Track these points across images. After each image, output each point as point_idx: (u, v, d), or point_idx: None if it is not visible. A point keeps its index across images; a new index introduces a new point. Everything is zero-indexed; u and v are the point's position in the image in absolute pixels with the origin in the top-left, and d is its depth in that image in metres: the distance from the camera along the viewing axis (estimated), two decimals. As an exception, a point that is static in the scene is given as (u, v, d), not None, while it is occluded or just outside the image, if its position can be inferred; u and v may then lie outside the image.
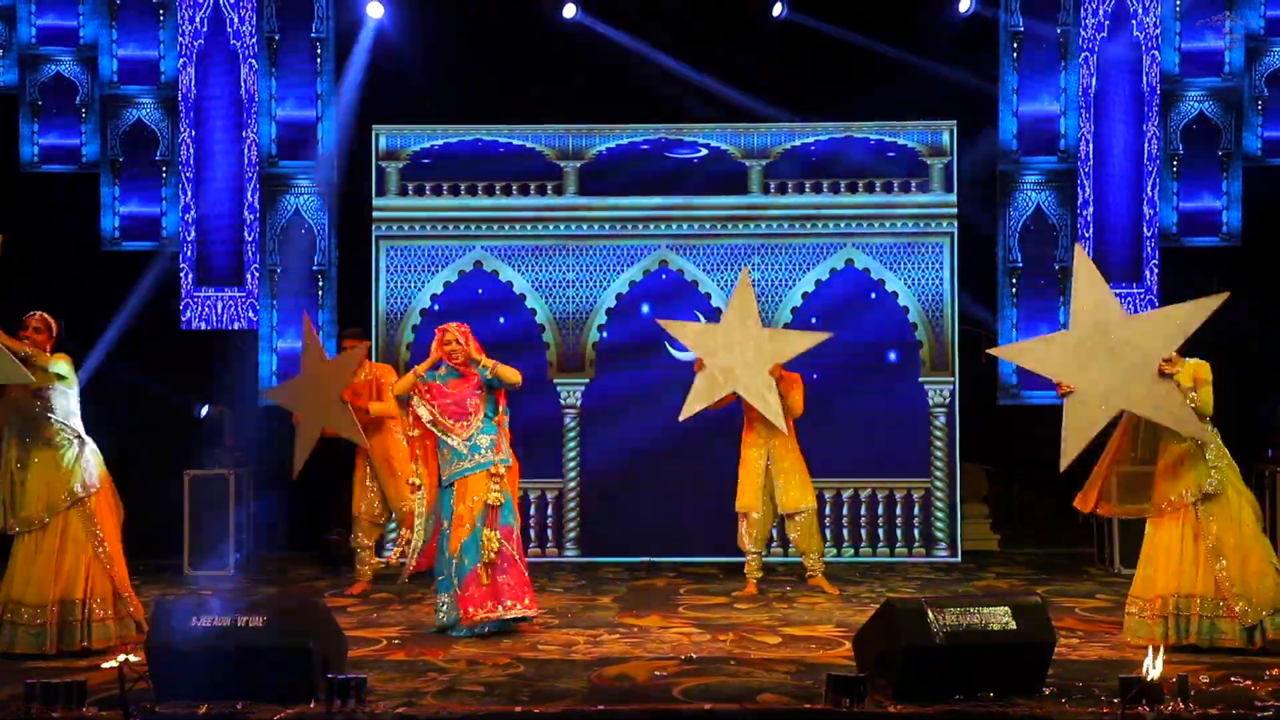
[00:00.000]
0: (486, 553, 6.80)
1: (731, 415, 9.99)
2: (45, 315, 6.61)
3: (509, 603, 6.81)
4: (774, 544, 9.33)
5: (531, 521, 10.14)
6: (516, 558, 6.94)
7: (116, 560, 6.57)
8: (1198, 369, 6.40)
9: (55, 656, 6.22)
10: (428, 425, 7.07)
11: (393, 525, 9.48)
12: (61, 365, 6.58)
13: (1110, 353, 6.32)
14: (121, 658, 4.96)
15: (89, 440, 6.64)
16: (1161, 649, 5.09)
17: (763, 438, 8.26)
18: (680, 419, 8.13)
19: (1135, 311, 9.93)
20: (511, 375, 7.12)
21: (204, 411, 9.79)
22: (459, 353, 7.08)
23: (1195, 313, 6.31)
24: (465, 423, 7.04)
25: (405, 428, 7.36)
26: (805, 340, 8.36)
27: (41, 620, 6.33)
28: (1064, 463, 6.50)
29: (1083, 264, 6.59)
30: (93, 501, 6.53)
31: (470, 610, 6.78)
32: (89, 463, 6.57)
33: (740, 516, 8.39)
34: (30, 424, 6.51)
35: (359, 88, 10.23)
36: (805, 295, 10.17)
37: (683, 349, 10.14)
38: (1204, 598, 6.26)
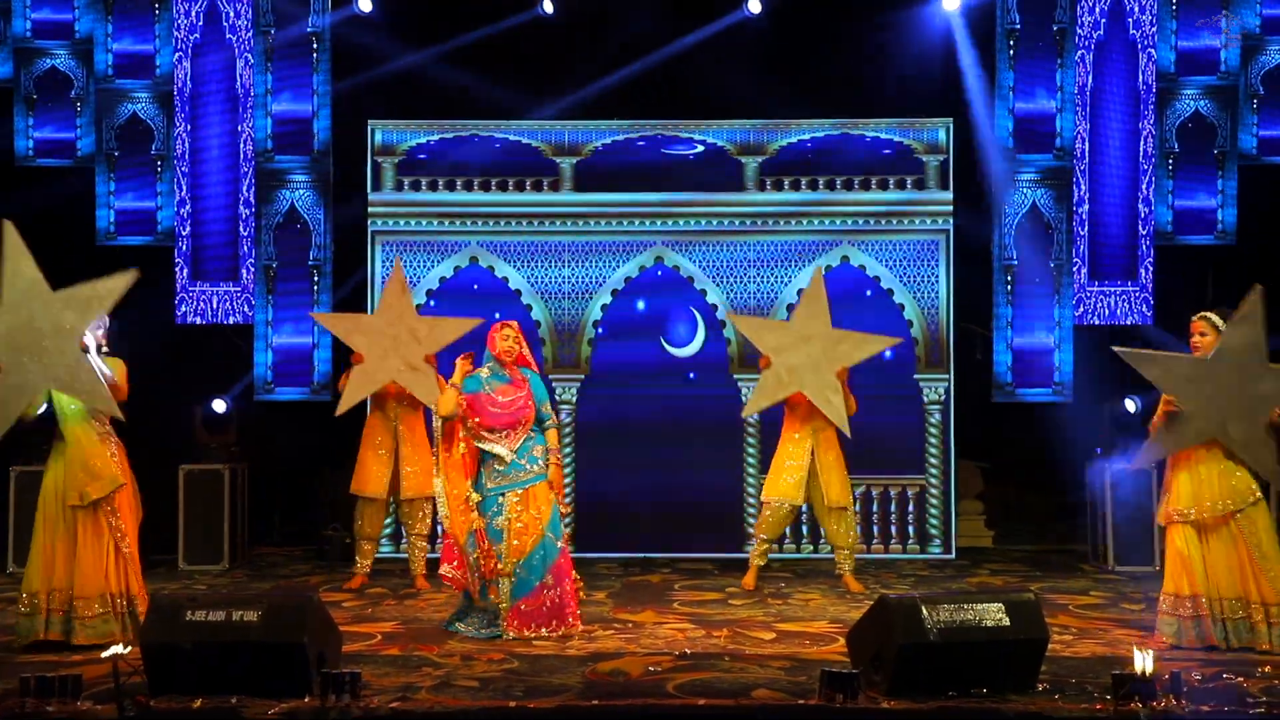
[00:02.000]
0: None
1: (729, 410, 10.04)
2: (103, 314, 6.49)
3: (570, 620, 6.69)
4: (786, 540, 9.31)
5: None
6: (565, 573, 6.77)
7: (134, 560, 6.57)
8: None
9: (71, 648, 6.21)
10: (474, 441, 6.71)
11: (389, 521, 9.47)
12: (122, 373, 6.60)
13: (1232, 390, 6.39)
14: (114, 650, 4.95)
15: (115, 437, 6.63)
16: (1157, 649, 5.09)
17: (809, 430, 8.24)
18: (744, 414, 8.07)
19: (1133, 313, 10.02)
20: (555, 416, 6.99)
21: (220, 407, 9.75)
22: (513, 352, 6.82)
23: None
24: (515, 432, 6.75)
25: (449, 447, 6.79)
26: (876, 344, 8.28)
27: (64, 611, 6.33)
28: (1138, 464, 6.93)
29: (1254, 304, 6.50)
30: (118, 498, 6.52)
31: (529, 629, 6.58)
32: (116, 460, 6.56)
33: (765, 504, 8.36)
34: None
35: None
36: (800, 292, 10.15)
37: (679, 344, 10.17)
38: (1243, 600, 6.31)
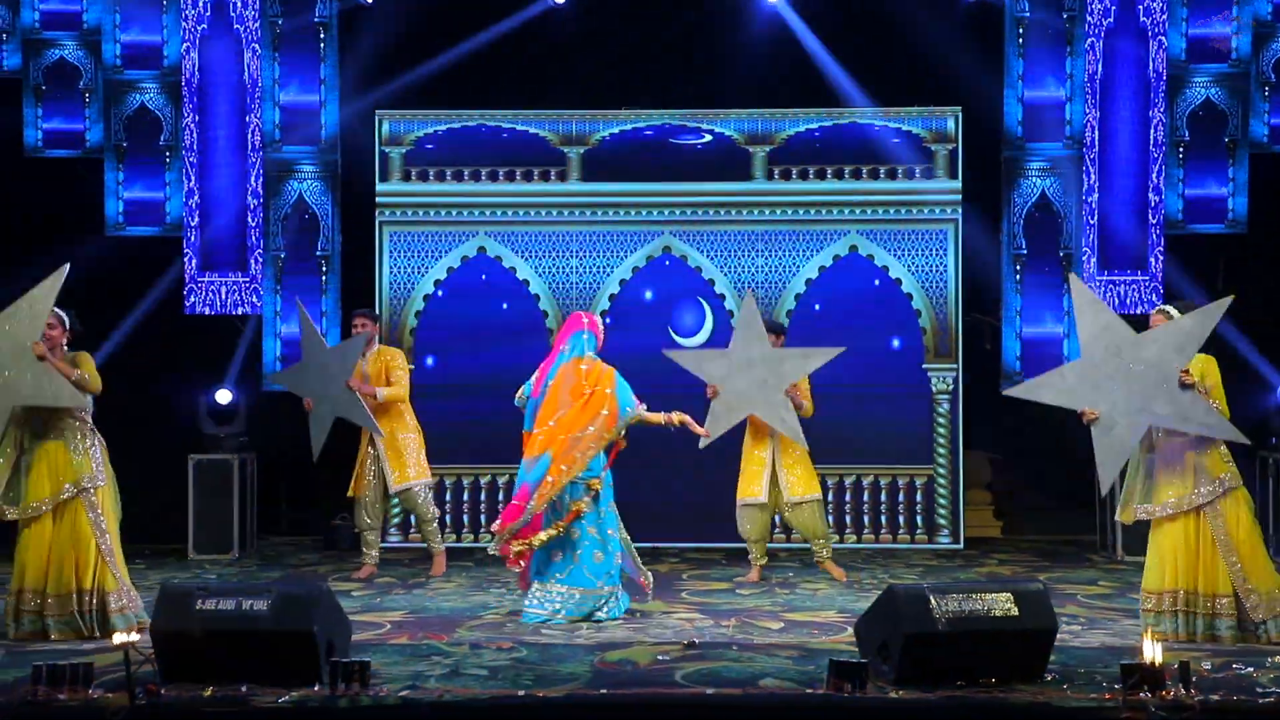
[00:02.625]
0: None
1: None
2: (57, 310, 6.50)
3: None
4: (777, 530, 9.33)
5: (535, 507, 10.16)
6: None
7: (117, 554, 6.58)
8: (1205, 366, 6.37)
9: (60, 644, 6.24)
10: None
11: (397, 509, 9.52)
12: (89, 366, 6.58)
13: (1127, 374, 6.30)
14: (123, 638, 4.96)
15: (98, 435, 6.65)
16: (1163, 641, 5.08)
17: (766, 431, 8.26)
18: (701, 446, 8.04)
19: (1143, 302, 9.98)
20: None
21: (225, 398, 9.80)
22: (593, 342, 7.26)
23: (1203, 321, 6.27)
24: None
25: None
26: (817, 358, 8.28)
27: (54, 610, 6.36)
28: (1104, 487, 6.55)
29: (1080, 292, 6.60)
30: (98, 494, 6.53)
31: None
32: (97, 457, 6.57)
33: (740, 506, 8.40)
34: (44, 413, 6.50)
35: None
36: (809, 282, 10.17)
37: (687, 334, 10.17)
38: (1209, 595, 6.25)
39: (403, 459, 8.51)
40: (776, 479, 8.26)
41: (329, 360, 8.42)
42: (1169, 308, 6.54)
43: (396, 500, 8.69)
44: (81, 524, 6.46)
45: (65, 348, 6.56)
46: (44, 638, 6.35)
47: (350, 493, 8.64)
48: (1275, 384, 9.61)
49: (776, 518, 8.69)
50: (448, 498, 10.08)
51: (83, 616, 6.41)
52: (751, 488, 8.29)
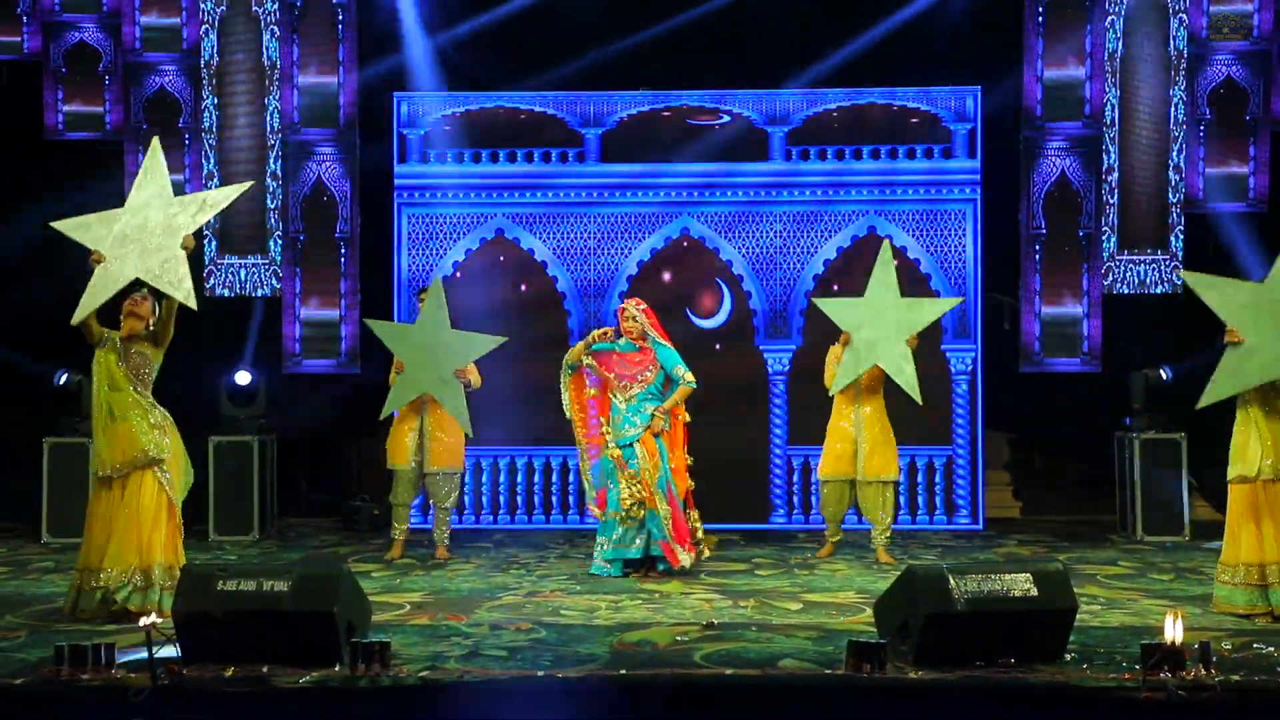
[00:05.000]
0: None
1: (752, 380, 10.05)
2: (146, 293, 6.69)
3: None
4: (795, 510, 9.33)
5: (556, 488, 10.19)
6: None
7: (179, 532, 6.62)
8: None
9: (119, 621, 6.25)
10: (596, 388, 7.89)
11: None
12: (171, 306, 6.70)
13: None
14: (147, 620, 5.00)
15: (163, 411, 6.68)
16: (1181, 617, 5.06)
17: (852, 405, 8.30)
18: (830, 391, 8.31)
19: (1163, 281, 9.93)
20: (687, 376, 7.81)
21: (245, 379, 9.78)
22: (634, 329, 7.79)
23: None
24: (630, 385, 7.74)
25: (577, 390, 7.95)
26: (939, 306, 8.35)
27: (121, 584, 6.36)
28: (1204, 402, 6.38)
29: (1202, 282, 6.47)
30: (168, 466, 6.56)
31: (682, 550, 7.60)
32: (163, 432, 6.61)
33: (821, 482, 8.51)
34: (125, 381, 6.57)
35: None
36: (826, 262, 10.15)
37: (704, 317, 10.16)
38: None
39: (445, 442, 8.49)
40: (857, 455, 8.31)
41: (451, 341, 8.35)
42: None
43: (425, 478, 8.63)
44: (150, 500, 6.49)
45: (150, 325, 6.71)
46: (106, 613, 6.33)
47: (391, 463, 8.56)
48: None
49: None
50: (468, 479, 10.11)
51: (145, 592, 6.39)
52: (833, 463, 8.38)
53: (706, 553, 7.89)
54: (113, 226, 6.69)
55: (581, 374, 7.95)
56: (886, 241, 8.65)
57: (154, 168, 6.83)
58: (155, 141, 6.93)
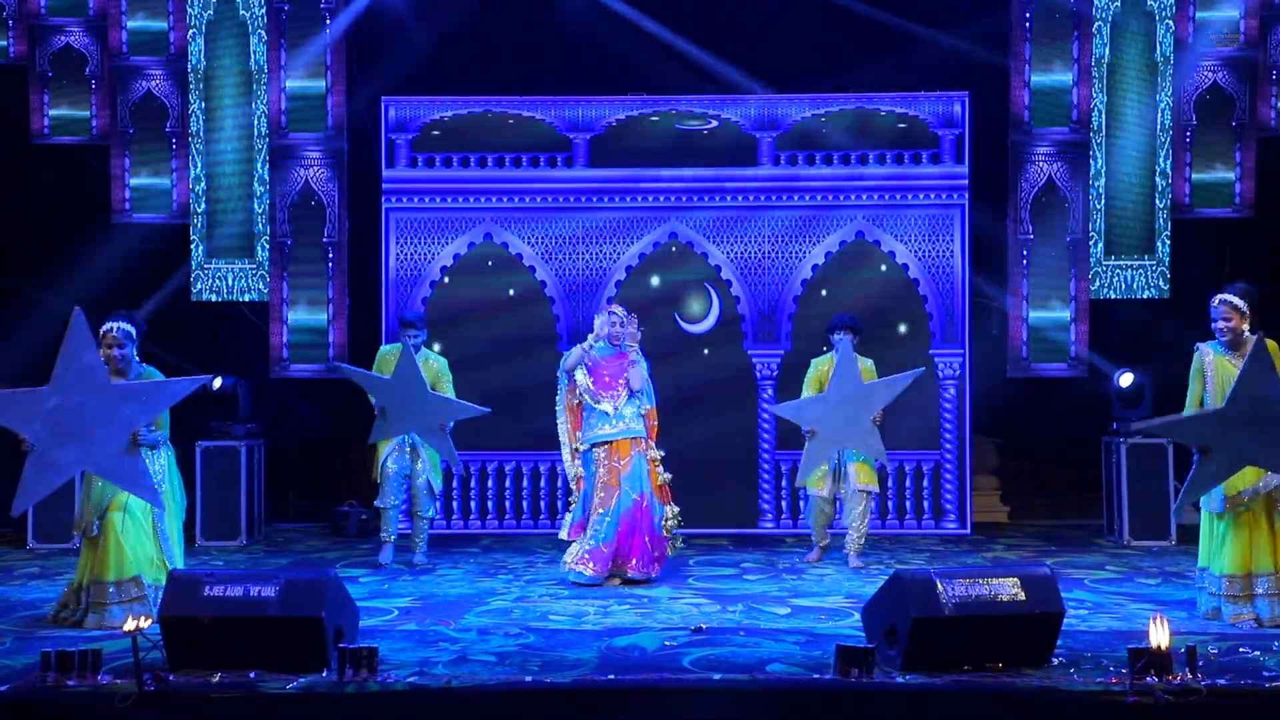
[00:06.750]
0: (667, 527, 7.68)
1: (744, 386, 10.05)
2: (122, 326, 6.43)
3: (655, 566, 7.64)
4: (784, 515, 9.33)
5: (544, 493, 10.18)
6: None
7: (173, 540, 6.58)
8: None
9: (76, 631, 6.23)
10: (581, 392, 7.72)
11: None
12: (156, 377, 6.49)
13: (1256, 425, 6.01)
14: (133, 625, 4.97)
15: (165, 445, 6.56)
16: (1166, 622, 5.07)
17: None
18: (796, 485, 8.58)
19: (1149, 287, 9.97)
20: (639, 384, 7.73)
21: (217, 384, 9.68)
22: (618, 335, 7.73)
23: None
24: (614, 394, 7.67)
25: (569, 398, 7.86)
26: (901, 383, 8.24)
27: (118, 599, 6.30)
28: (1182, 510, 6.32)
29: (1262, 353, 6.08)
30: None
31: (630, 564, 7.51)
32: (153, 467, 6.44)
33: (804, 496, 8.56)
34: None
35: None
36: (815, 267, 10.16)
37: (692, 321, 10.16)
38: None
39: (430, 453, 8.41)
40: (841, 470, 8.39)
41: (432, 404, 8.04)
42: (1230, 297, 6.35)
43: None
44: (136, 515, 6.40)
45: (132, 367, 6.46)
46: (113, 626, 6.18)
47: (377, 469, 8.44)
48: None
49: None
50: (455, 484, 10.10)
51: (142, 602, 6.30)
52: (814, 479, 8.40)
53: (678, 544, 7.91)
54: (39, 407, 5.97)
55: (573, 385, 7.82)
56: (847, 339, 8.43)
57: (79, 343, 5.98)
58: (77, 313, 5.97)
